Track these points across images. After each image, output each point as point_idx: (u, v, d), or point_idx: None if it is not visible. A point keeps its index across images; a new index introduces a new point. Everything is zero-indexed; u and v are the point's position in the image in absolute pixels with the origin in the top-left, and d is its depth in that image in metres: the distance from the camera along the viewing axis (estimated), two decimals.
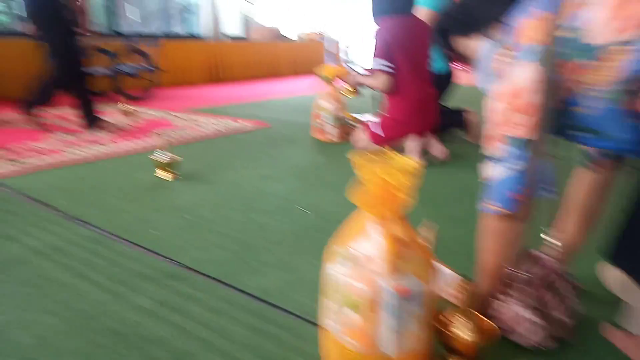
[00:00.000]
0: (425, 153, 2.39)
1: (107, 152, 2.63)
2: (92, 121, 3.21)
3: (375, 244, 0.76)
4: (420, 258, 0.77)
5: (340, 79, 2.90)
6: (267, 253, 1.39)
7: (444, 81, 2.82)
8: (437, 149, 2.44)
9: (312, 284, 1.12)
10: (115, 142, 2.88)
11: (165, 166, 2.12)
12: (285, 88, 6.32)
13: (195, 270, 1.27)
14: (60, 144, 2.80)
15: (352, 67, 7.02)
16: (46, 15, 2.96)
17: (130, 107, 3.57)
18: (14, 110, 3.63)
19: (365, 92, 2.85)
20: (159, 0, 7.41)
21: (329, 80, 2.97)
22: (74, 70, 3.12)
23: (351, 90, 2.72)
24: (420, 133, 2.40)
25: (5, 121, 3.56)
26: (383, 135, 2.41)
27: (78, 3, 3.11)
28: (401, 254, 0.74)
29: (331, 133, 2.97)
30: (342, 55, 9.14)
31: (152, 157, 2.13)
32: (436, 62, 2.78)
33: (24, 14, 3.06)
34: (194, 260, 1.33)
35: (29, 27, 3.08)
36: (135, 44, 4.90)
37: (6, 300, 1.14)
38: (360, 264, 0.77)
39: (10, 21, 5.70)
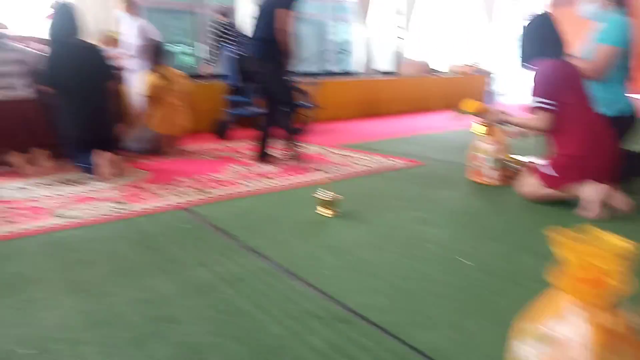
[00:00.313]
0: (605, 204, 2.14)
1: (274, 185, 2.89)
2: (264, 155, 3.54)
3: (577, 328, 0.71)
4: (636, 355, 0.69)
5: (479, 115, 2.80)
6: (432, 306, 1.38)
7: (626, 123, 2.54)
8: (620, 199, 2.16)
9: (484, 348, 1.08)
10: (280, 176, 3.15)
11: (326, 204, 2.25)
12: (436, 123, 6.24)
13: (362, 317, 1.31)
14: (236, 176, 3.17)
15: (500, 101, 6.64)
16: (269, 56, 3.32)
17: (295, 142, 3.88)
18: (200, 142, 4.22)
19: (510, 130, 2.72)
20: (318, 41, 8.02)
21: (466, 115, 2.89)
22: (287, 105, 3.49)
23: (486, 128, 2.68)
24: (599, 177, 2.16)
25: (191, 152, 4.15)
26: (557, 175, 2.23)
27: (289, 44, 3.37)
28: (612, 348, 0.68)
29: (490, 176, 2.84)
30: (491, 88, 8.74)
31: (316, 195, 2.27)
32: (618, 103, 2.55)
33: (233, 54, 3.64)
34: (360, 305, 1.37)
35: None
36: (295, 82, 5.34)
37: (200, 322, 1.31)
38: (557, 347, 0.72)
39: (195, 64, 6.71)
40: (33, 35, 4.34)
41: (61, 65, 3.18)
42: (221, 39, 5.44)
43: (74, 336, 1.23)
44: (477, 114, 2.84)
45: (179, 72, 4.29)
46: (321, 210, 2.28)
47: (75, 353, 1.16)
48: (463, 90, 8.49)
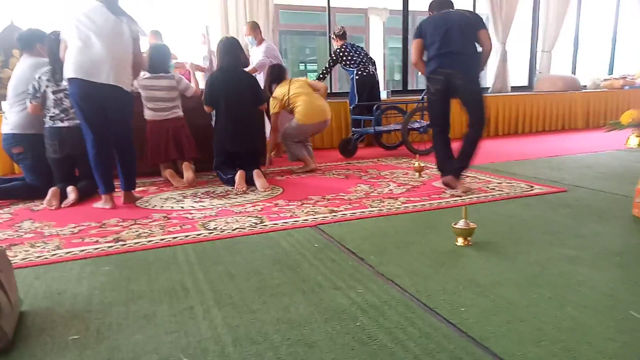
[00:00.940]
0: None
1: (404, 208, 2.84)
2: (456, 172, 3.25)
3: None
4: None
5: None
6: None
7: None
8: None
9: None
10: (409, 197, 3.09)
11: (462, 232, 2.14)
12: (578, 144, 5.64)
13: None
14: (364, 196, 3.18)
15: None
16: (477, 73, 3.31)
17: (422, 163, 3.79)
18: (328, 159, 4.33)
19: None
20: None
21: (622, 128, 2.50)
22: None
23: None
24: None
25: (320, 170, 4.28)
26: None
27: None
28: None
29: None
30: None
31: (454, 226, 2.16)
32: None
33: None
34: (508, 354, 1.26)
35: None
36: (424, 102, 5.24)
37: (338, 350, 1.30)
38: None
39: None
40: (192, 62, 4.89)
41: (220, 88, 3.69)
42: (343, 61, 5.45)
43: (224, 350, 1.32)
44: (636, 124, 2.46)
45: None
46: (457, 238, 2.17)
47: None
48: (611, 107, 7.59)
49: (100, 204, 3.10)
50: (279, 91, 4.22)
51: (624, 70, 8.25)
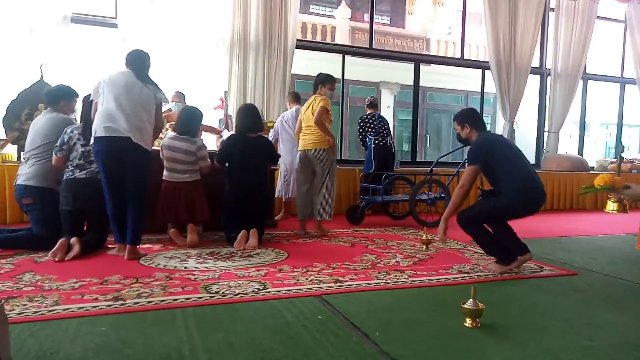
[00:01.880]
0: None
1: (410, 282, 2.78)
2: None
3: None
4: None
5: (611, 189, 2.35)
6: None
7: None
8: None
9: None
10: (416, 271, 3.03)
11: (472, 314, 2.06)
12: (588, 224, 5.60)
13: None
14: (370, 266, 3.13)
15: None
16: None
17: (429, 235, 3.76)
18: (335, 225, 4.30)
19: None
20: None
21: (596, 191, 2.45)
22: None
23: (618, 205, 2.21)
24: None
25: (327, 236, 4.25)
26: None
27: None
28: None
29: None
30: None
31: (462, 305, 2.08)
32: None
33: None
34: None
35: None
36: (433, 174, 5.30)
37: None
38: None
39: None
40: (210, 125, 5.06)
41: (236, 149, 3.90)
42: (366, 129, 5.70)
43: None
44: (608, 187, 2.41)
45: None
46: (465, 319, 2.09)
47: None
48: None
49: (114, 251, 3.33)
50: None
51: (631, 154, 8.36)
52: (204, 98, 5.56)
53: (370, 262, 3.24)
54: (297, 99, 5.35)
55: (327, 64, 8.74)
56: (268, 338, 1.88)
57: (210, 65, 5.69)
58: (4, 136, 4.64)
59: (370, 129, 5.64)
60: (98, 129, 3.13)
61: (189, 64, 5.59)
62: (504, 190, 2.99)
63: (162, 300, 2.30)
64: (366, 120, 5.72)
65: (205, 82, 5.68)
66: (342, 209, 5.69)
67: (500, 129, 7.90)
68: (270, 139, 4.99)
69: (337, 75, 6.82)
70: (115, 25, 5.25)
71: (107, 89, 3.13)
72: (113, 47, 5.26)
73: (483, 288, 2.69)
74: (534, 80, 7.96)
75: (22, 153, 3.76)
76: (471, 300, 2.07)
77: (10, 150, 4.88)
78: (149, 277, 2.72)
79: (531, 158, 8.03)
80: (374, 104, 5.86)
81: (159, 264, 3.06)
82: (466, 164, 3.08)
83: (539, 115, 8.14)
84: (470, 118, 3.18)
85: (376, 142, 5.52)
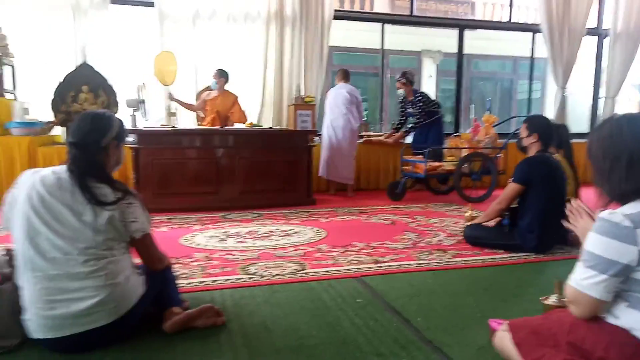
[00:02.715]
0: None
1: (454, 263, 2.66)
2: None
3: None
4: None
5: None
6: None
7: None
8: None
9: None
10: (460, 251, 2.91)
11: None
12: None
13: None
14: (411, 246, 3.03)
15: None
16: None
17: (475, 212, 3.59)
18: (376, 202, 4.21)
19: None
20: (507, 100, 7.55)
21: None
22: None
23: None
24: None
25: (367, 212, 4.17)
26: None
27: None
28: None
29: None
30: None
31: (546, 302, 1.84)
32: None
33: None
34: None
35: None
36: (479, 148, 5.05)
37: None
38: None
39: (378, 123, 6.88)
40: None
41: None
42: (432, 106, 5.30)
43: None
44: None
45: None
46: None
47: None
48: None
49: None
50: None
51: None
52: (243, 76, 5.48)
53: (411, 242, 3.14)
54: (346, 76, 5.20)
55: (367, 34, 8.47)
56: (306, 323, 1.84)
57: (247, 41, 5.58)
58: (52, 118, 4.78)
59: (434, 107, 5.27)
60: None
61: (227, 41, 5.48)
62: (523, 220, 2.85)
63: (201, 282, 2.31)
64: (427, 101, 5.23)
65: (243, 59, 5.58)
66: (382, 185, 5.56)
67: (551, 96, 7.43)
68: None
69: (377, 45, 6.59)
70: (152, 4, 5.23)
71: None
72: (152, 27, 5.25)
73: (531, 269, 2.55)
74: (590, 42, 7.39)
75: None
76: (555, 295, 1.83)
77: (59, 131, 5.04)
78: (188, 258, 2.74)
79: (585, 126, 7.55)
80: (408, 79, 5.37)
81: (198, 244, 3.08)
82: (511, 179, 2.92)
83: (595, 80, 7.58)
84: (543, 129, 2.93)
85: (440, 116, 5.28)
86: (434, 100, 5.34)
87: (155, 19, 5.21)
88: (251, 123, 4.94)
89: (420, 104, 5.18)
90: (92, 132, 1.64)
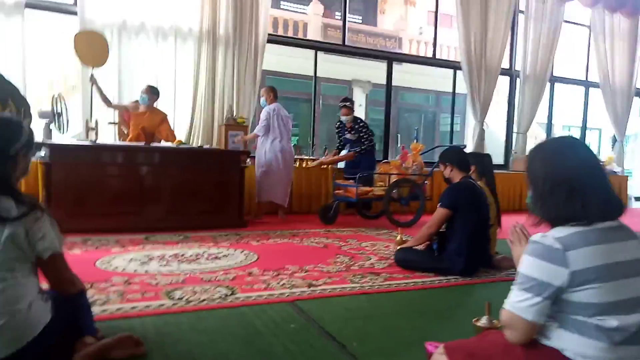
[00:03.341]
0: None
1: (387, 286, 2.66)
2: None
3: None
4: None
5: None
6: None
7: None
8: None
9: None
10: (392, 274, 2.92)
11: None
12: None
13: None
14: (344, 269, 2.99)
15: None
16: None
17: (405, 236, 3.65)
18: (307, 225, 4.15)
19: None
20: (430, 132, 7.93)
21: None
22: None
23: None
24: None
25: (298, 236, 4.10)
26: None
27: None
28: None
29: None
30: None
31: (476, 323, 1.88)
32: None
33: None
34: None
35: None
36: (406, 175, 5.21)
37: None
38: None
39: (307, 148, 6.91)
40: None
41: None
42: (340, 133, 5.48)
43: None
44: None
45: None
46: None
47: None
48: None
49: None
50: None
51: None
52: (172, 93, 5.27)
53: (344, 265, 3.11)
54: (276, 95, 5.14)
55: (299, 60, 8.58)
56: (236, 351, 1.71)
57: (178, 58, 5.39)
58: None
59: (370, 134, 5.34)
60: None
61: (156, 56, 5.25)
62: (451, 244, 2.95)
63: (119, 309, 2.10)
64: (367, 126, 5.40)
65: (172, 76, 5.37)
66: (314, 209, 5.54)
67: (470, 129, 7.94)
68: (257, 132, 4.84)
69: (309, 72, 6.68)
70: (74, 12, 4.91)
71: None
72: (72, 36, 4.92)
73: (460, 291, 2.61)
74: (503, 82, 8.03)
75: None
76: (486, 317, 1.87)
77: None
78: (105, 282, 2.49)
79: (500, 159, 8.11)
80: (347, 106, 5.47)
81: (117, 267, 2.83)
82: (439, 204, 3.03)
83: (508, 116, 8.22)
84: (455, 157, 3.12)
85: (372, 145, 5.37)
86: (370, 129, 5.46)
87: (77, 27, 4.88)
88: (180, 141, 4.71)
89: (363, 130, 5.28)
90: None
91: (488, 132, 7.77)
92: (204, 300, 2.26)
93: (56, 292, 1.55)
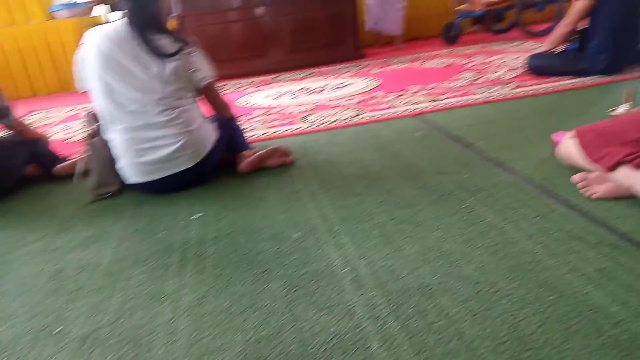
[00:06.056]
0: None
1: (516, 93, 2.60)
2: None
3: None
4: None
5: None
6: None
7: None
8: None
9: None
10: (522, 82, 2.80)
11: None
12: None
13: (634, 243, 1.10)
14: (469, 84, 2.95)
15: None
16: None
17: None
18: (429, 48, 4.03)
19: None
20: None
21: None
22: None
23: None
24: None
25: (419, 60, 4.03)
26: None
27: None
28: None
29: None
30: None
31: (611, 113, 1.86)
32: None
33: None
34: (635, 231, 1.15)
35: None
36: None
37: (445, 228, 1.28)
38: None
39: None
40: None
41: None
42: None
43: (331, 228, 1.36)
44: None
45: None
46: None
47: (333, 240, 1.29)
48: None
49: None
50: None
51: None
52: None
53: (469, 80, 3.05)
54: None
55: None
56: (369, 155, 1.93)
57: None
58: None
59: None
60: None
61: None
62: (593, 41, 2.60)
63: (265, 133, 2.43)
64: None
65: None
66: (434, 31, 5.25)
67: None
68: None
69: None
70: None
71: None
72: None
73: (598, 91, 2.45)
74: None
75: None
76: (625, 105, 1.82)
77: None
78: (248, 115, 2.85)
79: None
80: None
81: (254, 104, 3.17)
82: None
83: None
84: None
85: None
86: None
87: None
88: None
89: None
90: None
91: None
92: (334, 120, 2.49)
93: (215, 117, 1.87)
